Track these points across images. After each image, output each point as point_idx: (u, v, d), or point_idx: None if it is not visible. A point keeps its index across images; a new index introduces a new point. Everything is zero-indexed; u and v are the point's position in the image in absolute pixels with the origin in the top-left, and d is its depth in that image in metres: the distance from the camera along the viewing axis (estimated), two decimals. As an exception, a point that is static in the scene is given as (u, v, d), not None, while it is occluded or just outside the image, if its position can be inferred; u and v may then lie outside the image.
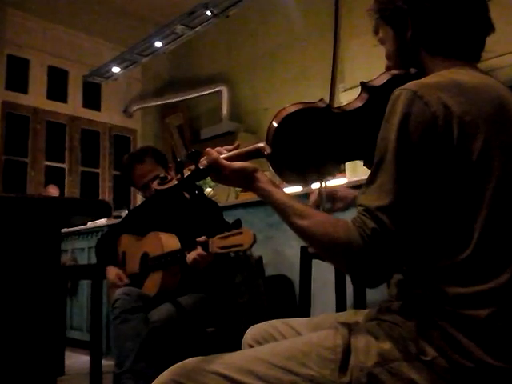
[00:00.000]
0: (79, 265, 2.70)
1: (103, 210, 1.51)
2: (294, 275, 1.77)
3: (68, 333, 2.68)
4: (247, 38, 4.43)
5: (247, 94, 4.35)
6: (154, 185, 0.76)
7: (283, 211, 0.66)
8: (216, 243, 1.30)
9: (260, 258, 1.75)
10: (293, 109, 0.68)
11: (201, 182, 2.30)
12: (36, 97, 4.42)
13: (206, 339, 1.50)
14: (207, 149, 0.73)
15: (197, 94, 4.63)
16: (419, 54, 0.71)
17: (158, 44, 4.19)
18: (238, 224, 1.35)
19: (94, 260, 2.38)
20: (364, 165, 0.72)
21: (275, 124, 0.68)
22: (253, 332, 0.81)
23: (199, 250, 1.38)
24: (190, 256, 1.42)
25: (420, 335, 0.57)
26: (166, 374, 0.64)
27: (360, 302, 1.38)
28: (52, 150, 4.51)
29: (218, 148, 0.74)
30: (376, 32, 0.78)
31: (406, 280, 0.65)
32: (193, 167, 0.73)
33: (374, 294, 1.59)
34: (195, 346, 1.45)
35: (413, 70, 0.71)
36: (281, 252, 1.90)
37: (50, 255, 1.21)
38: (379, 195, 0.59)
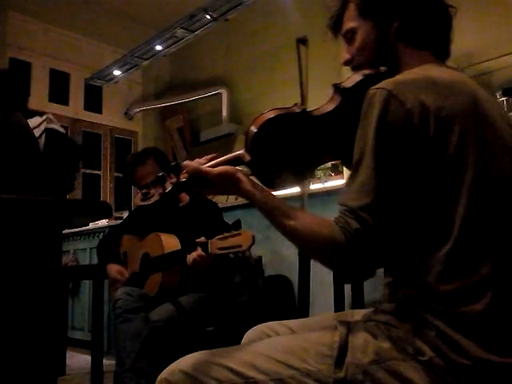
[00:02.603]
0: (81, 265, 2.72)
1: (104, 211, 1.52)
2: (293, 275, 1.78)
3: (69, 333, 2.69)
4: (246, 41, 4.45)
5: (247, 96, 4.37)
6: (137, 200, 0.77)
7: (269, 212, 0.66)
8: (215, 244, 1.31)
9: (259, 259, 1.76)
10: (269, 115, 0.69)
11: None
12: (38, 99, 4.44)
13: (206, 338, 1.51)
14: (185, 162, 0.72)
15: (197, 97, 4.66)
16: (396, 47, 0.71)
17: (159, 47, 4.22)
18: (237, 225, 1.36)
19: (95, 260, 2.40)
20: (343, 165, 0.74)
21: (253, 131, 0.68)
22: (250, 334, 0.82)
23: (199, 251, 1.39)
24: (190, 257, 1.43)
25: (416, 335, 0.57)
26: (173, 365, 0.65)
27: (358, 302, 1.39)
28: (53, 152, 4.54)
29: (196, 160, 0.74)
30: (338, 22, 0.77)
31: (395, 280, 0.66)
32: (174, 180, 0.73)
33: (371, 294, 1.61)
34: (195, 345, 1.46)
35: (383, 69, 0.71)
36: (280, 252, 1.91)
37: (51, 256, 1.23)
38: (360, 194, 0.60)
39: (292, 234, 0.64)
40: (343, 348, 0.60)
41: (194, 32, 3.96)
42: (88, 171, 4.76)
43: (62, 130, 1.34)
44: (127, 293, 1.51)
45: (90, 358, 1.79)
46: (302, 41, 0.82)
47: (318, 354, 0.60)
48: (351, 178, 0.62)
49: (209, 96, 4.58)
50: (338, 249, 0.59)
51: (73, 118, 4.68)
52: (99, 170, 4.87)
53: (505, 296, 0.57)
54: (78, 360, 2.41)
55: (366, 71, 0.71)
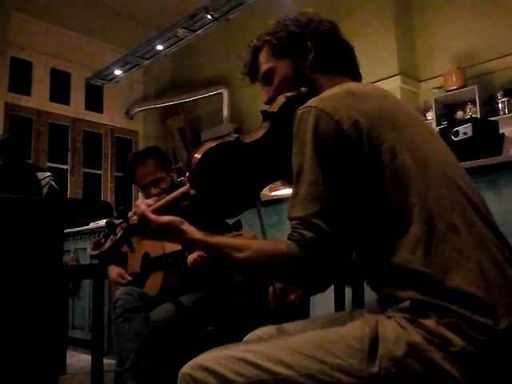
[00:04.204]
0: (81, 265, 2.72)
1: (105, 211, 1.53)
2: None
3: (70, 332, 2.69)
4: (247, 41, 4.45)
5: (248, 96, 4.38)
6: (90, 250, 0.77)
7: (221, 252, 0.67)
8: (216, 244, 1.32)
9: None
10: (205, 148, 0.71)
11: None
12: (39, 99, 4.45)
13: (207, 338, 1.51)
14: (136, 201, 0.74)
15: (198, 97, 4.67)
16: (312, 77, 0.77)
17: (160, 47, 4.22)
18: (238, 225, 1.36)
19: (95, 260, 2.40)
20: (282, 184, 0.76)
21: (193, 168, 0.70)
22: (248, 338, 0.81)
23: (199, 251, 1.40)
24: (191, 257, 1.43)
25: (440, 325, 0.56)
26: (196, 360, 0.65)
27: (359, 303, 1.39)
28: (55, 152, 4.54)
29: (146, 201, 0.75)
30: (253, 68, 0.82)
31: (374, 280, 0.67)
32: (125, 225, 0.74)
33: (372, 295, 1.61)
34: (195, 345, 1.47)
35: (303, 89, 0.76)
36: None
37: (52, 255, 1.23)
38: (307, 204, 0.61)
39: (249, 264, 0.66)
40: (374, 341, 0.58)
41: (195, 32, 3.97)
42: (89, 171, 4.77)
43: (57, 187, 2.13)
44: (127, 292, 1.51)
45: (90, 357, 1.79)
46: None
47: (348, 347, 0.59)
48: (294, 192, 0.64)
49: (210, 96, 4.58)
50: (297, 262, 0.60)
51: (74, 118, 4.68)
52: (100, 169, 4.87)
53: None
54: (79, 359, 2.41)
55: (288, 94, 0.76)
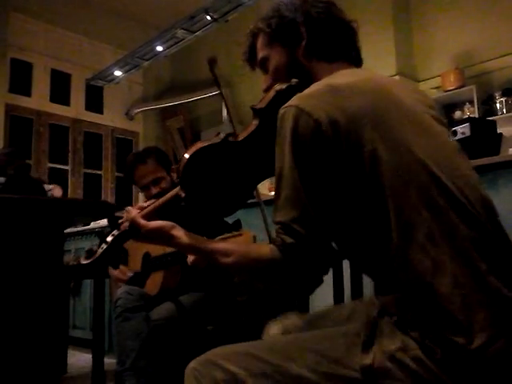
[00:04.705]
0: (82, 264, 2.72)
1: (105, 211, 1.54)
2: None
3: (71, 331, 2.70)
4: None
5: (247, 97, 4.38)
6: (82, 259, 0.77)
7: (209, 257, 0.69)
8: (216, 244, 1.32)
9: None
10: (192, 150, 0.71)
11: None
12: (39, 100, 4.46)
13: (207, 337, 1.52)
14: (127, 207, 0.74)
15: (197, 97, 4.67)
16: (308, 64, 0.74)
17: (159, 48, 4.23)
18: (237, 224, 1.37)
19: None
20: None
21: (181, 170, 0.70)
22: (271, 328, 0.82)
23: (199, 251, 1.40)
24: (191, 256, 1.44)
25: (423, 336, 0.56)
26: (203, 356, 0.66)
27: (357, 296, 1.40)
28: (55, 152, 4.55)
29: (138, 204, 0.75)
30: (252, 55, 0.80)
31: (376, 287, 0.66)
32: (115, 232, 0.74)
33: (371, 289, 1.61)
34: (196, 344, 1.47)
35: (294, 81, 0.72)
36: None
37: (53, 255, 1.24)
38: (288, 208, 0.61)
39: (236, 268, 0.67)
40: (370, 335, 0.59)
41: (194, 33, 3.97)
42: (89, 171, 4.78)
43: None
44: (127, 292, 1.52)
45: (90, 356, 1.79)
46: (212, 60, 0.81)
47: (346, 342, 0.60)
48: (276, 195, 0.64)
49: (209, 96, 4.59)
50: (278, 266, 0.62)
51: (74, 118, 4.69)
52: (100, 170, 4.88)
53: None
54: (79, 359, 2.41)
55: (277, 87, 0.73)
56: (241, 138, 0.73)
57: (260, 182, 0.77)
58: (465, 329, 0.55)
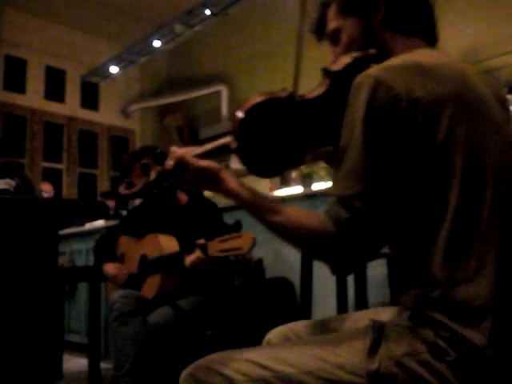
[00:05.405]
0: (77, 267, 2.67)
1: (101, 212, 1.49)
2: (295, 277, 1.75)
3: (66, 336, 2.66)
4: (246, 38, 4.41)
5: (247, 94, 4.34)
6: (121, 189, 0.73)
7: (254, 210, 0.65)
8: (215, 246, 1.29)
9: (260, 260, 1.73)
10: (254, 101, 0.67)
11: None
12: (33, 97, 4.39)
13: (205, 342, 1.48)
14: (172, 147, 0.70)
15: (196, 94, 4.62)
16: (384, 37, 0.71)
17: (157, 43, 4.17)
18: (237, 226, 1.33)
19: (92, 262, 2.35)
20: (334, 151, 0.71)
21: (239, 117, 0.66)
22: (272, 336, 0.80)
23: (198, 253, 1.37)
24: (189, 259, 1.40)
25: (437, 337, 0.55)
26: (199, 361, 0.64)
27: (361, 304, 1.37)
28: (49, 151, 4.49)
29: (185, 148, 0.71)
30: (321, 25, 0.76)
31: (401, 278, 0.64)
32: (159, 169, 0.70)
33: (375, 296, 1.57)
34: (194, 349, 1.44)
35: (372, 51, 0.70)
36: (281, 254, 1.88)
37: (47, 257, 1.19)
38: (350, 182, 0.59)
39: (281, 230, 0.64)
40: (377, 341, 0.58)
41: (193, 28, 3.92)
42: (84, 170, 4.72)
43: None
44: (123, 295, 1.49)
45: (86, 361, 1.76)
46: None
47: (351, 347, 0.59)
48: (337, 165, 0.61)
49: (208, 93, 4.54)
50: (328, 239, 0.59)
51: (69, 116, 4.63)
52: (95, 169, 4.82)
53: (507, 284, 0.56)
54: (75, 363, 2.37)
55: (355, 54, 0.70)
56: (308, 96, 0.69)
57: (312, 150, 0.74)
58: (483, 330, 0.54)
